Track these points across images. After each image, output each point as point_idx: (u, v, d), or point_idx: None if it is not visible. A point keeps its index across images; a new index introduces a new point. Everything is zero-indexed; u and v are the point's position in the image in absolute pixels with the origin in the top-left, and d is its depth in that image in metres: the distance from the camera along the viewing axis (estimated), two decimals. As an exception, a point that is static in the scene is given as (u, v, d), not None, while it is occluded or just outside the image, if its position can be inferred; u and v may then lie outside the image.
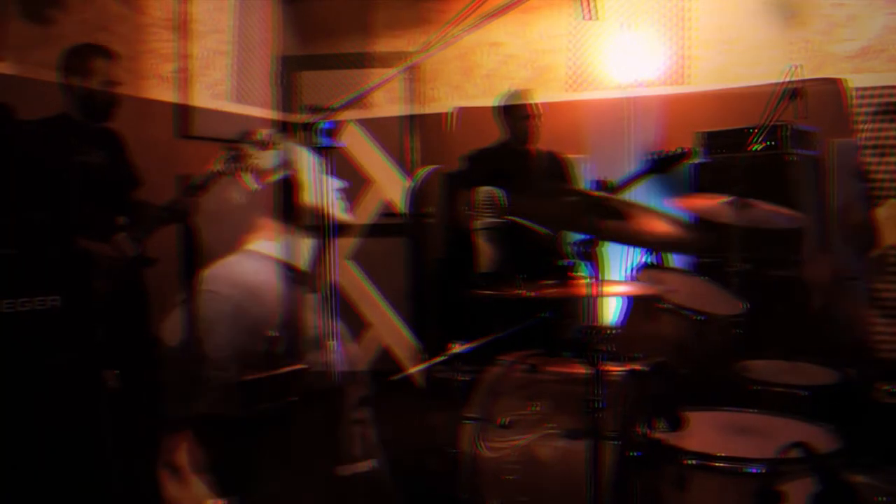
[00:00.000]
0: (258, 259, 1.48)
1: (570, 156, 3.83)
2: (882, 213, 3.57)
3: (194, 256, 1.42)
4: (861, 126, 3.67)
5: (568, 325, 2.78)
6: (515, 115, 3.66)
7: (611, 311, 2.64)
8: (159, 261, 2.92)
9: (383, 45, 4.73)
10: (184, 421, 1.38)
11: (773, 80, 2.96)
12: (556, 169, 3.74)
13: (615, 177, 3.26)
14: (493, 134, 3.75)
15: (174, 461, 1.38)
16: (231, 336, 1.35)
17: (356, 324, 4.51)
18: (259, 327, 1.36)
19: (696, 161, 3.63)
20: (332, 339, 1.38)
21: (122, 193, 3.00)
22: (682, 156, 3.06)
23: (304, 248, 1.54)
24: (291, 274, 1.46)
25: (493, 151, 3.72)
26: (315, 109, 1.33)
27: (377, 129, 4.67)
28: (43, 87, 2.91)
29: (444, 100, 4.68)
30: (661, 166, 3.07)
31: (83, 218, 2.70)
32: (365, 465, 1.48)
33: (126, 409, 2.48)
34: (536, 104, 3.67)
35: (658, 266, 2.65)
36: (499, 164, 3.64)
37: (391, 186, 4.57)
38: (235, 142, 1.62)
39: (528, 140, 3.66)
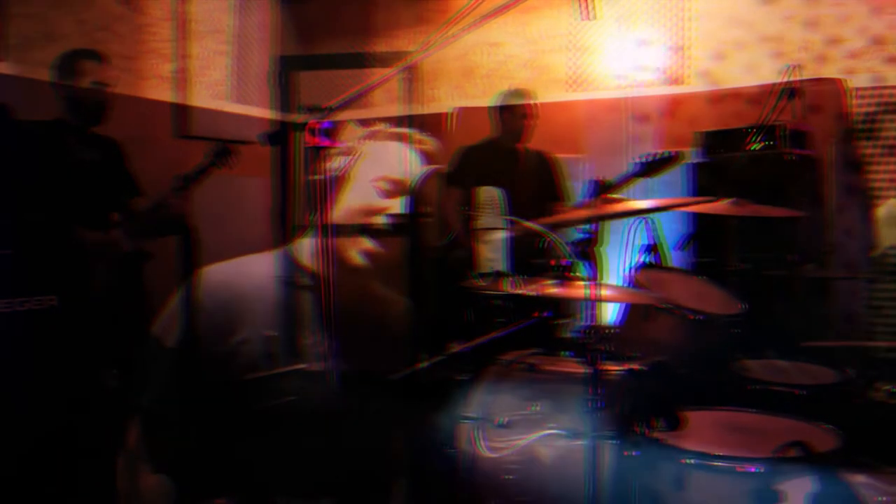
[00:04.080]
0: (272, 259, 1.45)
1: (560, 155, 3.84)
2: (882, 212, 3.57)
3: (192, 253, 1.41)
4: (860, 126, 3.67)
5: (567, 325, 2.78)
6: (513, 113, 3.66)
7: (609, 310, 2.64)
8: (156, 256, 2.92)
9: (383, 45, 4.74)
10: (136, 409, 1.38)
11: (773, 80, 2.96)
12: (545, 168, 3.75)
13: (614, 176, 3.26)
14: (494, 134, 3.75)
15: (132, 447, 1.38)
16: (228, 335, 1.35)
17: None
18: (257, 327, 1.36)
19: (694, 161, 3.64)
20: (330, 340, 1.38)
21: (120, 199, 3.00)
22: (670, 159, 3.07)
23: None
24: (307, 279, 1.43)
25: (482, 149, 3.73)
26: (313, 109, 1.33)
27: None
28: (43, 88, 2.91)
29: (444, 100, 4.68)
30: (649, 169, 3.08)
31: (79, 214, 2.71)
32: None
33: (125, 409, 2.48)
34: (535, 104, 3.68)
35: (657, 266, 2.65)
36: (488, 161, 3.65)
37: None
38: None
39: (520, 139, 3.67)
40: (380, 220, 1.40)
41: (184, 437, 1.36)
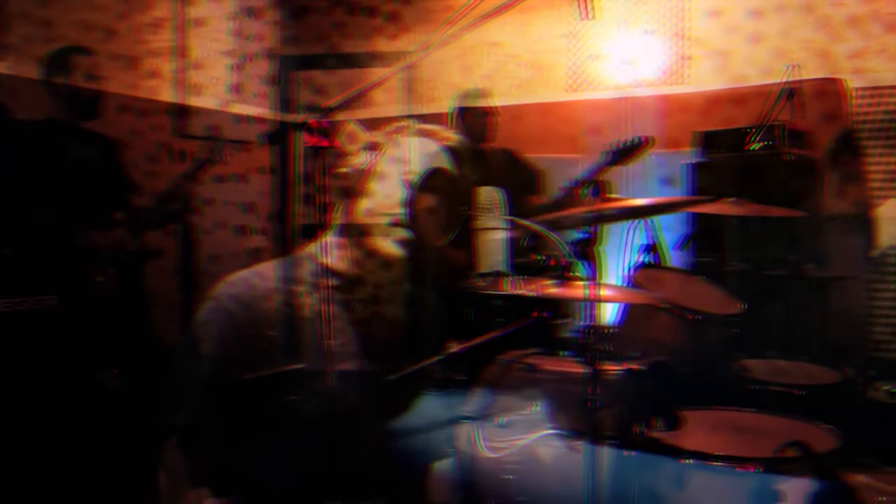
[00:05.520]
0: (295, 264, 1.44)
1: (557, 156, 3.83)
2: (882, 213, 3.57)
3: (191, 251, 1.40)
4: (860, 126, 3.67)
5: (566, 325, 2.78)
6: (474, 113, 3.65)
7: (609, 310, 2.64)
8: (159, 254, 2.93)
9: (383, 45, 4.73)
10: (172, 428, 1.37)
11: (772, 80, 2.96)
12: (514, 165, 3.74)
13: (610, 176, 3.26)
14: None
15: (172, 465, 1.38)
16: (228, 336, 1.35)
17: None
18: (258, 327, 1.35)
19: (693, 161, 3.64)
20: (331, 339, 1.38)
21: (119, 197, 3.00)
22: (637, 145, 3.07)
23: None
24: (336, 281, 1.42)
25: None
26: (312, 109, 1.33)
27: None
28: (42, 87, 2.91)
29: (444, 100, 4.67)
30: (621, 157, 3.08)
31: (81, 214, 2.70)
32: None
33: (125, 409, 2.48)
34: (494, 105, 3.67)
35: (656, 266, 2.65)
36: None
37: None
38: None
39: (484, 139, 3.66)
40: (403, 216, 1.40)
41: (220, 448, 1.35)
